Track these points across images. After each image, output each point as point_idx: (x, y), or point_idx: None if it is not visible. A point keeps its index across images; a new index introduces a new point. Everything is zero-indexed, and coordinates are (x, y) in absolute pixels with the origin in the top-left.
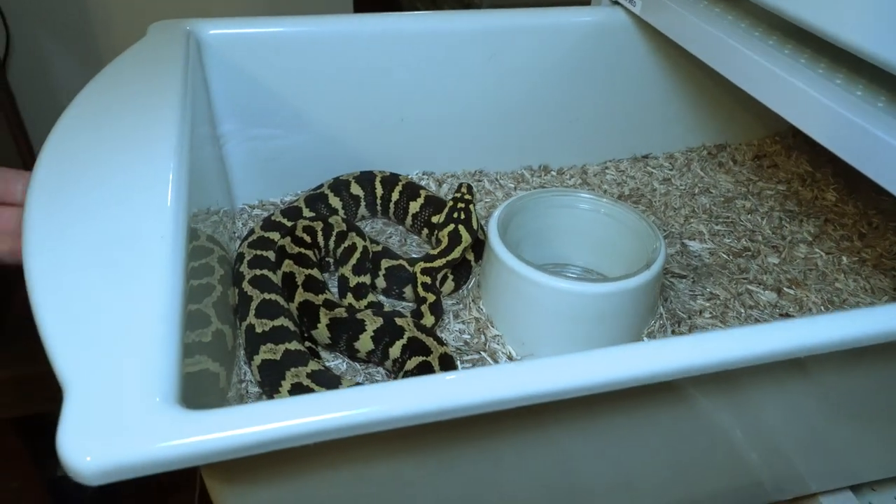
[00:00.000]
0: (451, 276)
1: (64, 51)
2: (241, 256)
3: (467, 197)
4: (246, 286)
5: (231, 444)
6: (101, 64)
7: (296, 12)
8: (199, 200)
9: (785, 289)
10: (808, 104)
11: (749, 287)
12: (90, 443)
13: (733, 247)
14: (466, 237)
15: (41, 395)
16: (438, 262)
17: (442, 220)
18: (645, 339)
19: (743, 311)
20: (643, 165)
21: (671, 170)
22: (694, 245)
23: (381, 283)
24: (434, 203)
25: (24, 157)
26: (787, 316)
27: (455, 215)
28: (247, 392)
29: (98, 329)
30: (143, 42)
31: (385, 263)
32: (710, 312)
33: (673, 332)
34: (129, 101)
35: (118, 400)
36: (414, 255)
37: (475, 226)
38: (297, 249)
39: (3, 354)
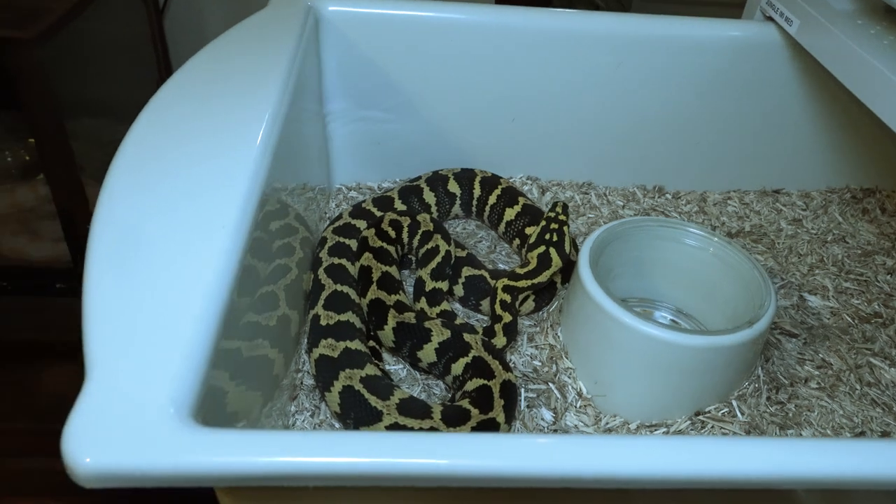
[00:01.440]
0: (532, 296)
1: (222, 2)
2: (323, 241)
3: (562, 217)
4: (321, 273)
5: (233, 470)
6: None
7: None
8: (294, 175)
9: None
10: None
11: (871, 360)
12: (93, 446)
13: (862, 310)
14: (557, 261)
15: None
16: (522, 283)
17: (533, 240)
18: (733, 401)
19: (858, 387)
20: (772, 201)
21: (804, 210)
22: (814, 300)
23: (458, 290)
24: (531, 213)
25: None
26: None
27: (547, 237)
28: (301, 383)
29: (137, 321)
30: (262, 13)
31: (466, 271)
32: (818, 383)
33: (768, 400)
34: (233, 74)
35: (133, 404)
36: (501, 266)
37: (568, 249)
38: (379, 243)
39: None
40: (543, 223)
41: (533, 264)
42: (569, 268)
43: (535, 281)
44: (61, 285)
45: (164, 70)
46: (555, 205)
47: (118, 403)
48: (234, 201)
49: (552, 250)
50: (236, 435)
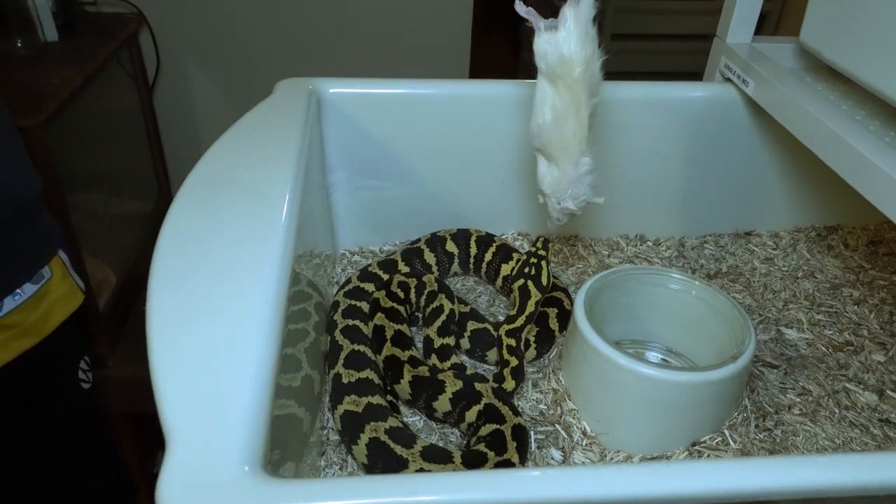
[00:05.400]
0: (533, 344)
1: (206, 78)
2: (336, 305)
3: (541, 252)
4: (338, 335)
5: None
6: (240, 92)
7: (416, 75)
8: (304, 244)
9: (888, 392)
10: None
11: (847, 385)
12: (186, 500)
13: (834, 339)
14: (535, 293)
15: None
16: (520, 321)
17: (514, 273)
18: (725, 431)
19: (837, 411)
20: (745, 242)
21: (775, 249)
22: (791, 333)
23: (465, 344)
24: None
25: (159, 174)
26: (886, 422)
27: (526, 270)
28: (327, 439)
29: (202, 392)
30: (270, 99)
31: (471, 326)
32: (800, 409)
33: (757, 427)
34: (253, 156)
35: (211, 463)
36: (500, 318)
37: (545, 282)
38: (390, 304)
39: (124, 355)
40: (524, 257)
41: (517, 299)
42: (566, 315)
43: (528, 314)
44: None
45: (154, 142)
46: (537, 239)
47: (199, 465)
48: (270, 276)
49: (529, 283)
50: (305, 484)
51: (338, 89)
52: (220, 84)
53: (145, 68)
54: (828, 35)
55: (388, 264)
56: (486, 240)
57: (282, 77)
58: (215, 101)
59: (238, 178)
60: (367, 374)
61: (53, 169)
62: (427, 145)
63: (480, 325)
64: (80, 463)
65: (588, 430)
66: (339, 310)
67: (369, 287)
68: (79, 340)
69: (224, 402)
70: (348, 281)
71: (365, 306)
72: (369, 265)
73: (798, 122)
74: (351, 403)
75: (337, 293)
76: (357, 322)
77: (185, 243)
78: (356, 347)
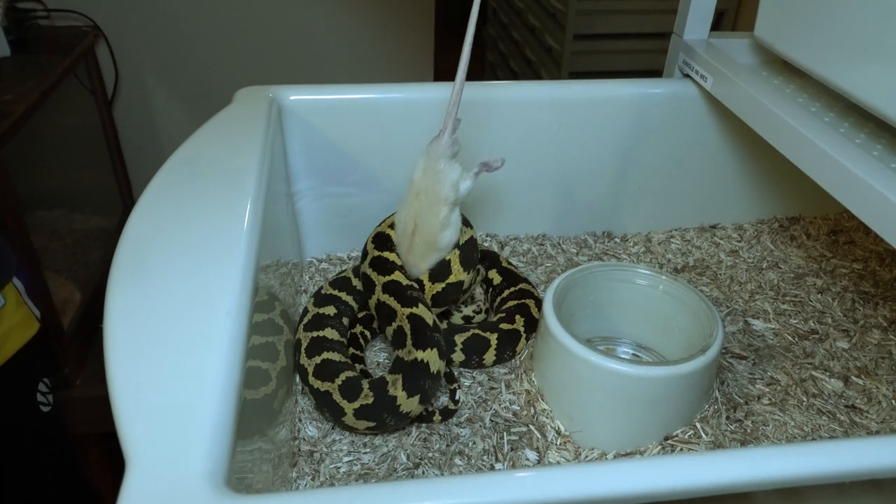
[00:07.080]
0: (523, 334)
1: (166, 89)
2: (298, 342)
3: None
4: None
5: None
6: (202, 103)
7: (380, 80)
8: (269, 253)
9: (853, 378)
10: (861, 190)
11: (814, 373)
12: None
13: (800, 328)
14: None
15: None
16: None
17: None
18: (697, 424)
19: (805, 399)
20: (710, 236)
21: (739, 241)
22: (757, 324)
23: (458, 357)
24: (489, 258)
25: (122, 188)
26: (852, 408)
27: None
28: (299, 450)
29: (163, 409)
30: (230, 108)
31: (458, 338)
32: (769, 399)
33: (727, 419)
34: (212, 167)
35: (172, 478)
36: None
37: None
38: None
39: (92, 375)
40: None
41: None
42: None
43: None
44: None
45: (116, 157)
46: None
47: (161, 480)
48: (232, 286)
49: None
50: (277, 498)
51: (298, 96)
52: (181, 95)
53: (104, 82)
54: (781, 30)
55: (342, 282)
56: None
57: (244, 86)
58: (177, 112)
59: (198, 188)
60: (348, 374)
61: (10, 188)
62: (392, 150)
63: (468, 334)
64: (44, 486)
65: (562, 429)
66: (302, 347)
67: (330, 311)
68: (36, 365)
69: (186, 416)
70: (305, 311)
71: (330, 332)
72: (321, 288)
73: (756, 115)
74: (365, 398)
75: (297, 330)
76: (324, 331)
77: (144, 255)
78: (324, 357)
